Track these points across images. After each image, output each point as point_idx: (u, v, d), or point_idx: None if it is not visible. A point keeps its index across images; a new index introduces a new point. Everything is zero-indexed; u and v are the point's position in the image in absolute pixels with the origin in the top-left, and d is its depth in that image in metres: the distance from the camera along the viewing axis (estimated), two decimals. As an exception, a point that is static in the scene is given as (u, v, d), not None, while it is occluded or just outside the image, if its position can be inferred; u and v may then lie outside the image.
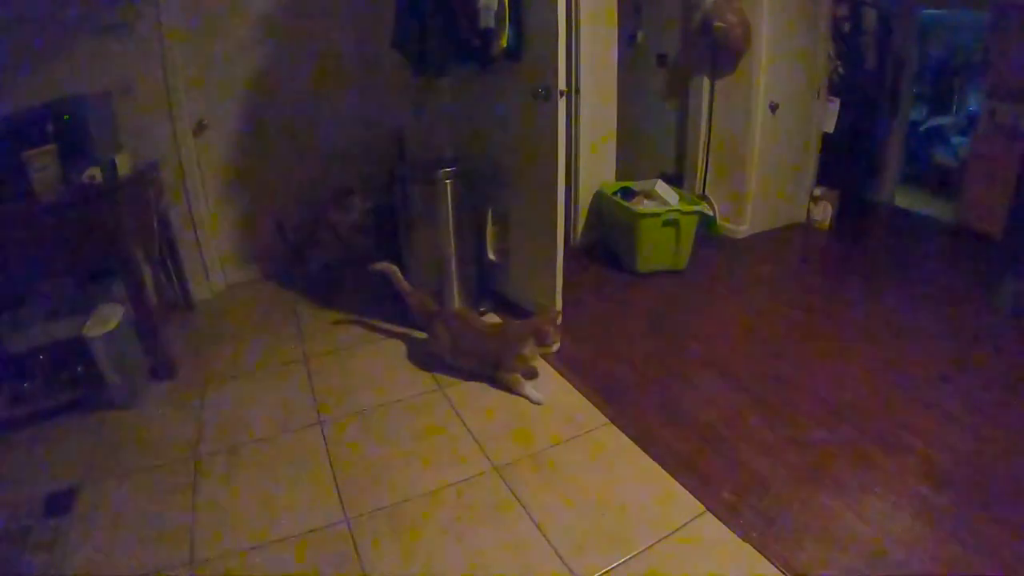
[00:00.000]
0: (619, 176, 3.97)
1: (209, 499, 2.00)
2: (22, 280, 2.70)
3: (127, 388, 2.53)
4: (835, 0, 4.08)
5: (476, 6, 2.49)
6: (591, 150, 3.79)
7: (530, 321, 2.54)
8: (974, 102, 5.42)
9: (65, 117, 2.58)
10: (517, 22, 2.60)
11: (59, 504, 2.03)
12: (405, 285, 2.83)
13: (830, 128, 4.21)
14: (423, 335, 2.78)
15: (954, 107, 5.84)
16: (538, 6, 2.51)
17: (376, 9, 3.33)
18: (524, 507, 1.89)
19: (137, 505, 2.00)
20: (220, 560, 1.76)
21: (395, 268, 2.83)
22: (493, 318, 2.87)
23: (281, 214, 3.61)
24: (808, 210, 4.37)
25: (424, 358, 2.73)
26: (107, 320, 2.50)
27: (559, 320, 2.51)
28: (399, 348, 2.88)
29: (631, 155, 4.17)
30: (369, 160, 3.76)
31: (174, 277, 3.30)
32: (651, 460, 2.07)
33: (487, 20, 2.51)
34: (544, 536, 1.78)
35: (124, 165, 2.60)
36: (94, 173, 2.42)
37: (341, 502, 1.95)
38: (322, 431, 2.32)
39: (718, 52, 3.81)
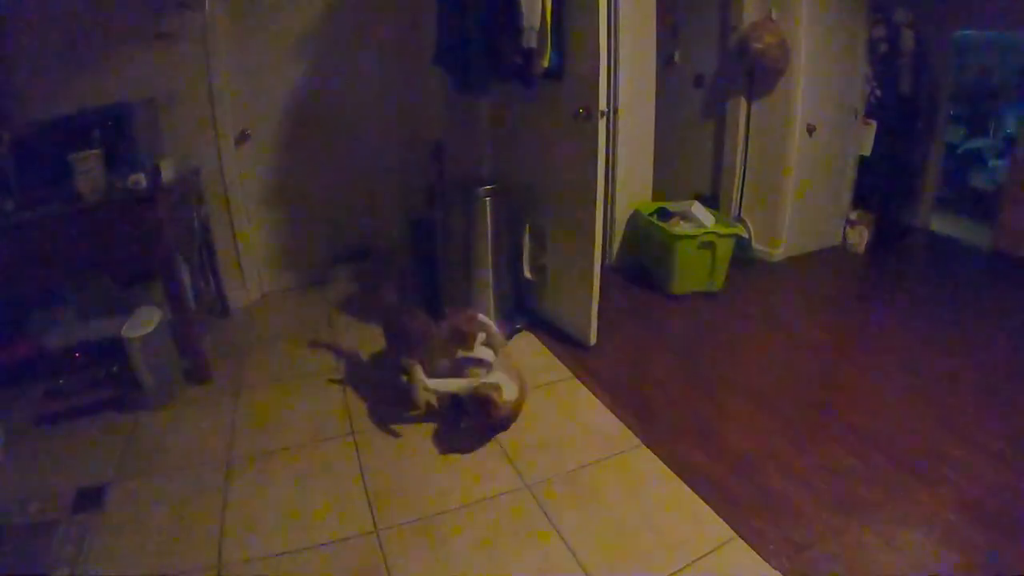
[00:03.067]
0: (655, 196, 3.93)
1: (239, 504, 2.00)
2: (62, 279, 2.75)
3: (161, 390, 2.56)
4: (873, 22, 4.03)
5: (520, 25, 2.48)
6: (628, 170, 3.75)
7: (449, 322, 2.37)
8: (1012, 124, 5.29)
9: (108, 122, 2.66)
10: (559, 42, 2.59)
11: (88, 500, 2.04)
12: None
13: (867, 151, 4.14)
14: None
15: (992, 130, 5.68)
16: (581, 27, 2.52)
17: (418, 25, 3.38)
18: (554, 526, 1.86)
19: (166, 506, 2.01)
20: (247, 565, 1.75)
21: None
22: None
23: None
24: (844, 234, 4.31)
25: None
26: (145, 322, 2.54)
27: (474, 324, 2.31)
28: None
29: (667, 175, 4.12)
30: (407, 173, 3.79)
31: (212, 283, 3.33)
32: (683, 484, 2.03)
33: (530, 40, 2.50)
34: (573, 556, 1.75)
35: (167, 171, 2.65)
36: (138, 178, 2.47)
37: (372, 513, 1.94)
38: (355, 442, 2.31)
39: (755, 73, 3.78)
